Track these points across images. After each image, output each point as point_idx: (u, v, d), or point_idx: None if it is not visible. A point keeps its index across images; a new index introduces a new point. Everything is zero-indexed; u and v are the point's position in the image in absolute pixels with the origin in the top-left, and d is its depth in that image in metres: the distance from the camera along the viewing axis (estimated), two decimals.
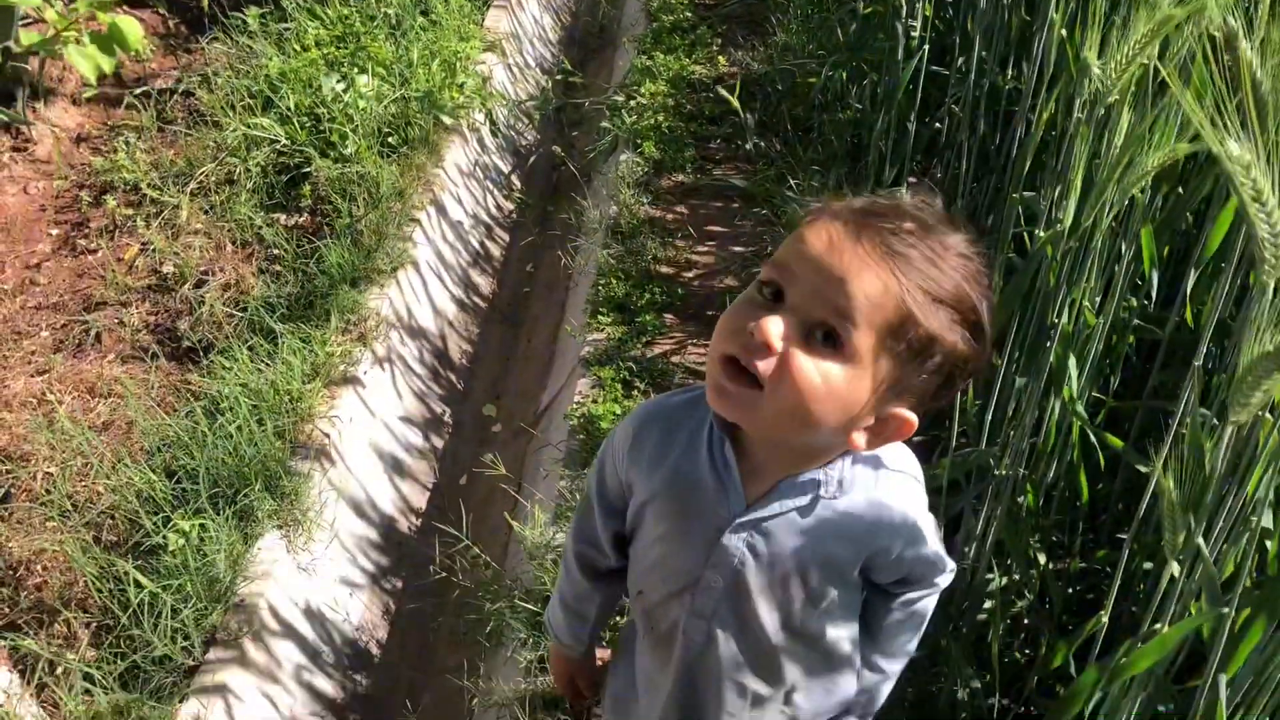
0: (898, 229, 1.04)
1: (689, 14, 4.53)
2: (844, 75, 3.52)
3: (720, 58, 4.13)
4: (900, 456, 1.21)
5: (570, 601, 1.45)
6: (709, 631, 1.23)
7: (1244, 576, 1.44)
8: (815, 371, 1.03)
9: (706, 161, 3.68)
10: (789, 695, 1.29)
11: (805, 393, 1.03)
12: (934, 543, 1.24)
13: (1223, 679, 1.19)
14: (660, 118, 3.80)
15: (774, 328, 1.02)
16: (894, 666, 1.37)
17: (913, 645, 1.37)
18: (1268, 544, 1.47)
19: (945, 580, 1.29)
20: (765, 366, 1.03)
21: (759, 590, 1.20)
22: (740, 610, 1.22)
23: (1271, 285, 0.90)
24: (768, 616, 1.22)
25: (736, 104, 3.57)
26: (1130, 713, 1.35)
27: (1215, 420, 1.74)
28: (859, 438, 1.09)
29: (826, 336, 1.03)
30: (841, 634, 1.27)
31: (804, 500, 1.16)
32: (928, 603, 1.31)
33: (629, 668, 1.38)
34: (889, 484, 1.19)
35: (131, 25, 3.50)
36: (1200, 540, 1.11)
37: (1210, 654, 1.14)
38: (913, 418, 1.10)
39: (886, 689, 1.40)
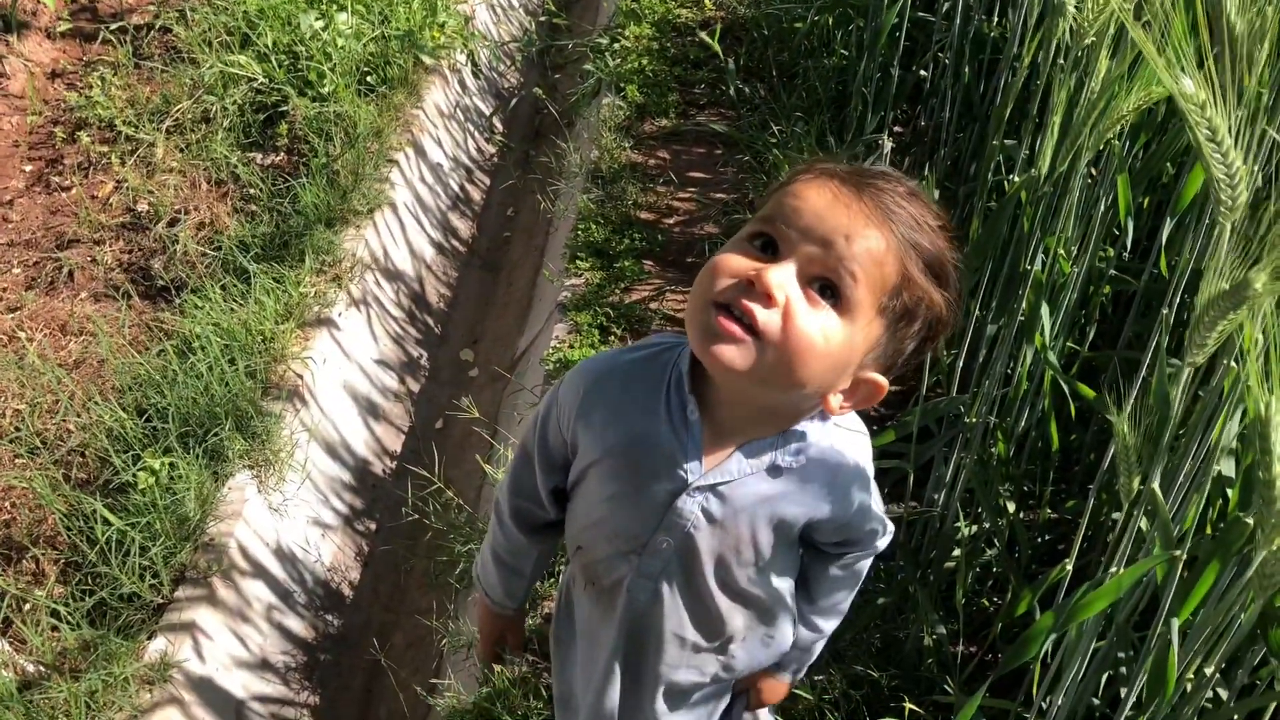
0: (893, 190, 1.05)
1: None
2: (829, 20, 3.47)
3: (706, 1, 4.06)
4: (853, 419, 1.20)
5: (505, 557, 1.41)
6: (655, 590, 1.22)
7: (1206, 525, 1.44)
8: (817, 325, 1.01)
9: (690, 106, 3.64)
10: (727, 646, 1.29)
11: (805, 347, 1.01)
12: (878, 506, 1.24)
13: (1174, 623, 1.19)
14: (644, 61, 3.74)
15: (777, 276, 1.00)
16: (829, 624, 1.37)
17: (846, 604, 1.37)
18: (1228, 491, 1.47)
19: (884, 542, 1.29)
20: (767, 317, 1.00)
21: (708, 551, 1.18)
22: (688, 570, 1.20)
23: (1228, 226, 0.89)
24: (713, 575, 1.20)
25: (718, 49, 3.53)
26: (1085, 656, 1.36)
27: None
28: (834, 400, 1.08)
29: (824, 289, 1.01)
30: (781, 589, 1.27)
31: (763, 464, 1.14)
32: (865, 563, 1.31)
33: (569, 611, 1.37)
34: (843, 446, 1.17)
35: None
36: (1155, 485, 1.11)
37: (1162, 597, 1.14)
38: (884, 382, 1.09)
39: (820, 646, 1.41)
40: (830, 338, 1.01)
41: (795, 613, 1.33)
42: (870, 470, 1.21)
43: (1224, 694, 1.51)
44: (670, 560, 1.19)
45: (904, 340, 1.08)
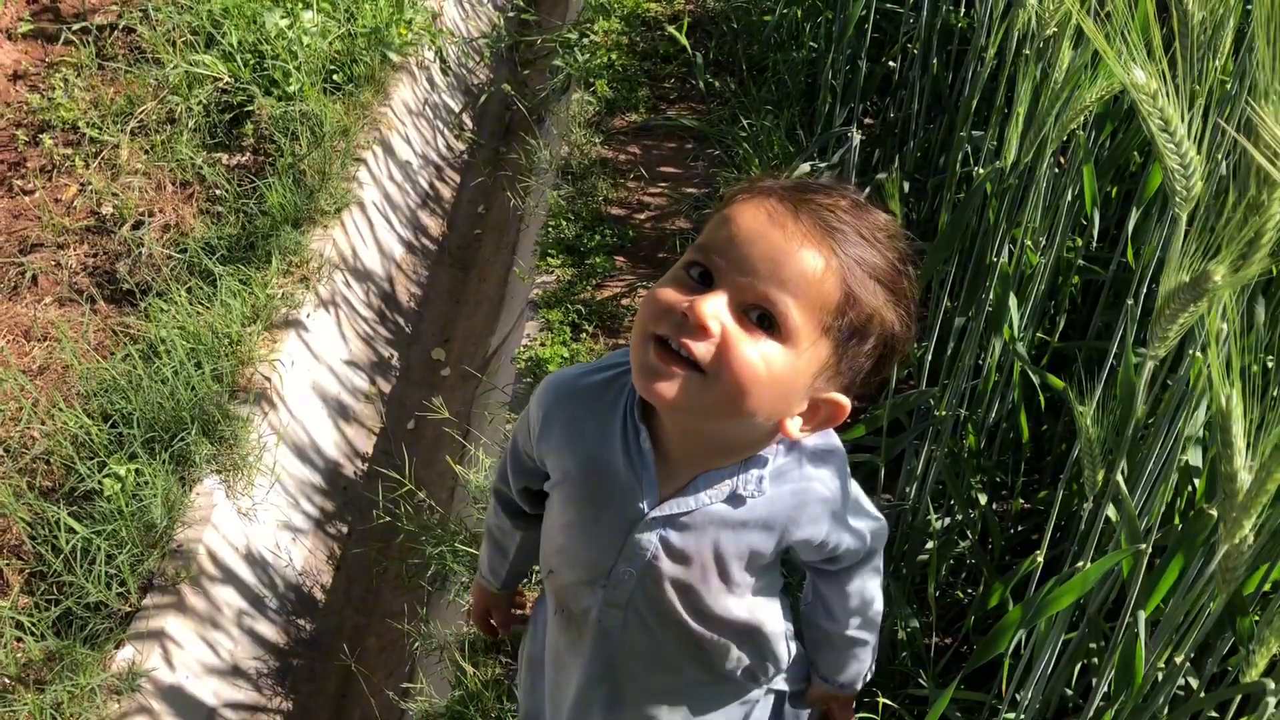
0: (834, 205, 1.01)
1: None
2: (798, 13, 3.46)
3: None
4: (822, 434, 1.15)
5: (494, 532, 1.42)
6: (624, 618, 1.19)
7: (1174, 515, 1.44)
8: (757, 354, 0.98)
9: (660, 101, 3.62)
10: (717, 667, 1.25)
11: (746, 378, 0.98)
12: (859, 514, 1.20)
13: (1141, 615, 1.19)
14: (613, 56, 3.73)
15: (709, 307, 0.97)
16: (863, 633, 1.32)
17: (876, 605, 1.31)
18: (1196, 482, 1.47)
19: (879, 542, 1.25)
20: (703, 350, 0.97)
21: (672, 581, 1.14)
22: (654, 598, 1.16)
23: (1183, 217, 0.88)
24: (681, 603, 1.16)
25: (686, 42, 3.51)
26: (1055, 648, 1.35)
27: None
28: (792, 425, 1.05)
29: (761, 318, 0.98)
30: (761, 614, 1.22)
31: (723, 494, 1.11)
32: (867, 570, 1.26)
33: (542, 633, 1.34)
34: (812, 469, 1.14)
35: None
36: (1119, 478, 1.10)
37: (1129, 590, 1.14)
38: (846, 401, 1.05)
39: (867, 655, 1.35)
40: (772, 365, 0.98)
41: (788, 628, 1.28)
42: (843, 485, 1.16)
43: (1194, 683, 1.51)
44: (635, 589, 1.16)
45: (857, 358, 1.04)
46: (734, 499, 1.10)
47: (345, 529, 2.66)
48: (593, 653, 1.22)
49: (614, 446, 1.11)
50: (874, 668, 1.39)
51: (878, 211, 1.05)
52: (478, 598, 1.54)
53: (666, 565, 1.13)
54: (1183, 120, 0.84)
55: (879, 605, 1.31)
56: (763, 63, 3.57)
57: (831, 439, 1.17)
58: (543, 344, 2.71)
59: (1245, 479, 0.82)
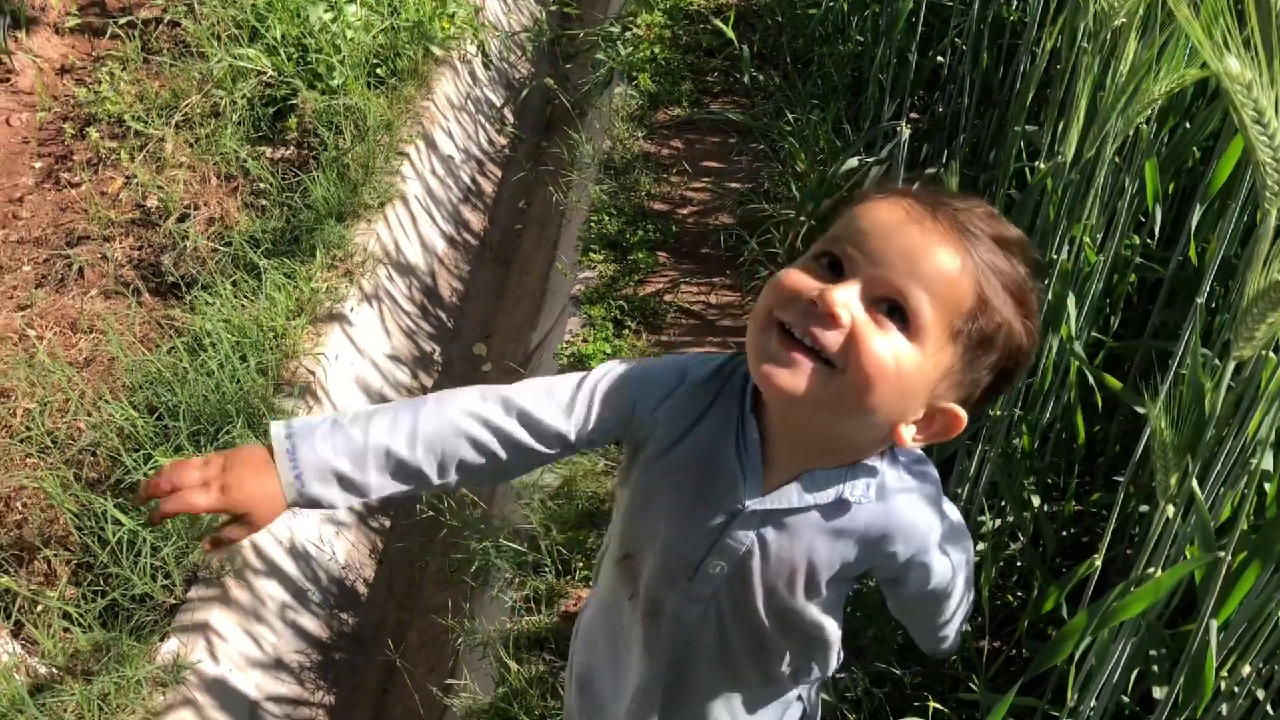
0: (970, 210, 0.99)
1: None
2: (845, 6, 3.42)
3: None
4: (922, 459, 1.13)
5: (350, 449, 1.05)
6: (704, 612, 1.15)
7: (1241, 519, 1.40)
8: (887, 348, 0.95)
9: (703, 95, 3.59)
10: (774, 670, 1.23)
11: (874, 371, 0.94)
12: (953, 545, 1.16)
13: (1214, 625, 1.15)
14: (656, 49, 3.70)
15: (841, 295, 0.94)
16: (955, 627, 1.29)
17: (957, 612, 1.26)
18: (1266, 486, 1.43)
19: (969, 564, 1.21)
20: (831, 339, 0.94)
21: (761, 580, 1.11)
22: (739, 596, 1.13)
23: (1274, 212, 0.85)
24: (763, 603, 1.13)
25: (732, 35, 3.48)
26: (1120, 657, 1.32)
27: (1217, 360, 1.69)
28: (907, 431, 1.01)
29: (892, 311, 0.95)
30: (831, 623, 1.19)
31: (828, 498, 1.07)
32: (946, 581, 1.20)
33: (596, 639, 1.30)
34: (915, 486, 1.10)
35: None
36: (1194, 484, 1.07)
37: (1202, 599, 1.10)
38: (963, 414, 1.02)
39: (950, 640, 1.32)
40: (901, 361, 0.95)
41: (839, 643, 1.25)
42: (938, 509, 1.13)
43: (1260, 694, 1.47)
44: (722, 585, 1.12)
45: (981, 369, 1.01)
46: (839, 504, 1.07)
47: (388, 523, 2.66)
48: (661, 645, 1.19)
49: (725, 434, 1.07)
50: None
51: (1011, 225, 1.03)
52: (251, 471, 1.03)
53: (758, 564, 1.09)
54: (1277, 112, 0.81)
55: (955, 602, 1.25)
56: (808, 56, 3.53)
57: (931, 469, 1.13)
58: (585, 340, 2.69)
59: None
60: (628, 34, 3.78)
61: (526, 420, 1.09)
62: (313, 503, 1.04)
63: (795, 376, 0.95)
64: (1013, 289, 0.99)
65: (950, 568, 1.18)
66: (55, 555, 2.19)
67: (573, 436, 1.10)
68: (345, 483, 1.04)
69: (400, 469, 1.06)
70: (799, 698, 1.31)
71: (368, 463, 1.05)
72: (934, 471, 1.14)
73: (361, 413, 1.08)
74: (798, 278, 0.98)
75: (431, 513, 2.45)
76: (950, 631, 1.30)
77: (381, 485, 1.06)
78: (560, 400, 1.10)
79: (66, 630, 2.05)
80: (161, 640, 2.05)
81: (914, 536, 1.11)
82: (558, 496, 2.30)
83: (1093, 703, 1.35)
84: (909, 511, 1.10)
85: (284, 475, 1.02)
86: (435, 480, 1.08)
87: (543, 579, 2.15)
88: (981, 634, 2.01)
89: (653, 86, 3.56)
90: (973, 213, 0.99)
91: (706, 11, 3.88)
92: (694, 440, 1.09)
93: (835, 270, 0.98)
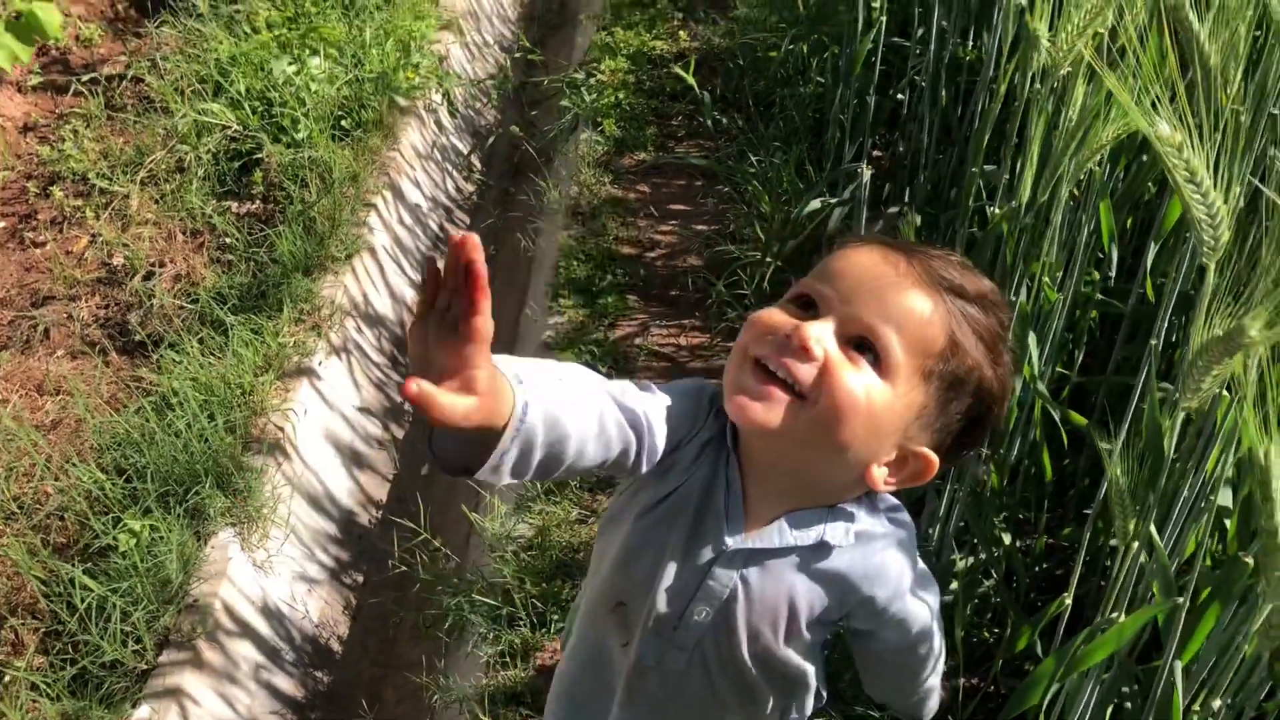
0: (945, 259, 1.03)
1: None
2: (805, 49, 3.47)
3: (681, 33, 4.06)
4: (898, 506, 1.15)
5: (573, 386, 0.99)
6: (688, 661, 1.14)
7: (1202, 556, 1.42)
8: (859, 382, 0.98)
9: (668, 139, 3.62)
10: (757, 715, 1.22)
11: (845, 404, 0.97)
12: (925, 590, 1.17)
13: (1178, 666, 1.16)
14: (621, 95, 3.73)
15: (815, 330, 0.98)
16: (931, 690, 1.29)
17: (929, 673, 1.26)
18: (1226, 523, 1.44)
19: (938, 610, 1.21)
20: (804, 373, 0.98)
21: (744, 623, 1.11)
22: (724, 644, 1.13)
23: (1213, 266, 0.87)
24: (750, 651, 1.13)
25: (692, 81, 3.52)
26: (1090, 697, 1.32)
27: (1177, 395, 1.71)
28: (879, 472, 1.04)
29: (864, 349, 0.99)
30: (808, 669, 1.19)
31: (809, 539, 1.08)
32: (920, 635, 1.21)
33: (576, 694, 1.27)
34: (890, 535, 1.12)
35: (50, 12, 3.37)
36: (1153, 528, 1.08)
37: (1166, 642, 1.11)
38: (935, 458, 1.04)
39: (932, 699, 1.32)
40: (872, 396, 0.98)
41: (819, 688, 1.25)
42: (913, 557, 1.15)
43: None
44: (706, 631, 1.12)
45: (952, 412, 1.04)
46: (820, 546, 1.08)
47: (361, 579, 2.64)
48: (644, 695, 1.17)
49: (716, 472, 1.08)
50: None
51: (983, 277, 1.06)
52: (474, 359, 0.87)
53: (742, 608, 1.09)
54: (1208, 170, 0.83)
55: (928, 650, 1.25)
56: (770, 99, 3.57)
57: (907, 518, 1.15)
58: None
59: None
60: (592, 80, 3.82)
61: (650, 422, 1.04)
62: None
63: (769, 410, 0.98)
64: (984, 335, 1.02)
65: (929, 613, 1.19)
66: (22, 624, 2.16)
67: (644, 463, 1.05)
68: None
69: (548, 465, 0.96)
70: None
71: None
72: (909, 520, 1.15)
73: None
74: (774, 315, 1.01)
75: (404, 567, 2.44)
76: (930, 686, 1.30)
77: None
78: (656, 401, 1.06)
79: (34, 702, 2.02)
80: (133, 707, 2.02)
81: (890, 581, 1.12)
82: (531, 548, 2.29)
83: None
84: (885, 556, 1.11)
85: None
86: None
87: (517, 633, 2.14)
88: (957, 673, 2.02)
89: (618, 132, 3.59)
90: (948, 261, 1.03)
91: (669, 57, 3.92)
92: (696, 477, 1.09)
93: (810, 310, 1.01)
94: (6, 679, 2.06)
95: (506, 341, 3.24)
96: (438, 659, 2.26)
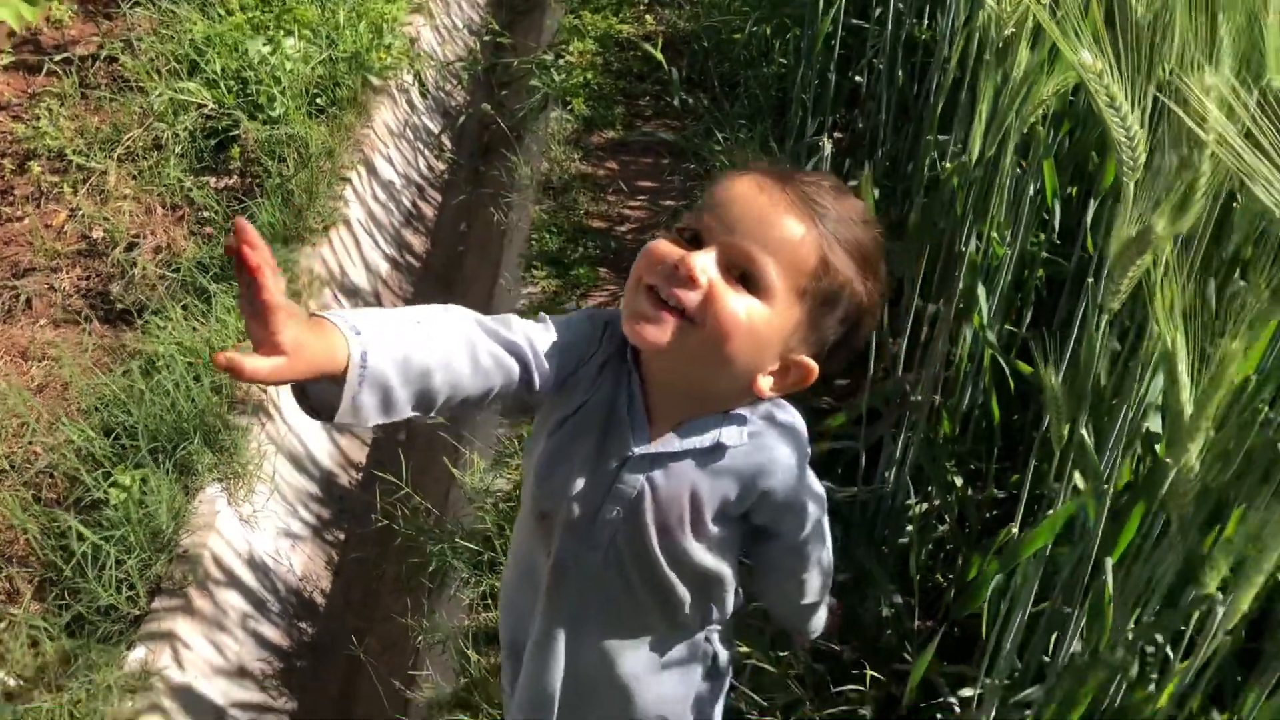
0: (817, 184, 1.15)
1: None
2: (767, 30, 3.59)
3: (647, 16, 4.17)
4: (790, 408, 1.27)
5: (429, 324, 1.08)
6: (603, 560, 1.25)
7: (1139, 480, 1.55)
8: (740, 305, 1.10)
9: (636, 118, 3.73)
10: (675, 615, 1.32)
11: (728, 325, 1.09)
12: (816, 484, 1.28)
13: (1108, 562, 1.28)
14: (589, 75, 3.84)
15: (699, 260, 1.09)
16: (814, 587, 1.37)
17: (814, 571, 1.35)
18: (1156, 448, 1.57)
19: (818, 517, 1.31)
20: (691, 299, 1.09)
21: (653, 522, 1.22)
22: (635, 541, 1.24)
23: (1131, 184, 0.99)
24: (661, 548, 1.24)
25: (661, 58, 3.63)
26: (1029, 598, 1.45)
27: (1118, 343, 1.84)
28: (764, 382, 1.16)
29: (744, 277, 1.10)
30: (725, 565, 1.30)
31: (706, 442, 1.20)
32: (812, 536, 1.32)
33: (517, 603, 1.36)
34: (781, 435, 1.24)
35: None
36: (1084, 431, 1.20)
37: (1093, 535, 1.24)
38: (814, 365, 1.17)
39: (820, 602, 1.42)
40: (752, 316, 1.10)
41: (735, 587, 1.35)
42: (802, 455, 1.25)
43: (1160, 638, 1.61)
44: (619, 528, 1.23)
45: (827, 325, 1.16)
46: (717, 448, 1.20)
47: (343, 535, 2.73)
48: (564, 596, 1.28)
49: (619, 386, 1.20)
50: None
51: (854, 197, 1.18)
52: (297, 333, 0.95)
53: (649, 505, 1.21)
54: (1126, 97, 0.95)
55: (813, 560, 1.35)
56: (734, 79, 3.69)
57: (797, 419, 1.27)
58: None
59: (1189, 409, 0.92)
60: (561, 61, 3.92)
61: (533, 351, 1.14)
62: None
63: (660, 331, 1.10)
64: (854, 252, 1.14)
65: (820, 509, 1.30)
66: (18, 573, 2.24)
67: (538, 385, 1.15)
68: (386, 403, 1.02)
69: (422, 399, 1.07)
70: (707, 639, 1.40)
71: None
72: (800, 422, 1.26)
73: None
74: (664, 246, 1.13)
75: (385, 522, 2.53)
76: (818, 601, 1.41)
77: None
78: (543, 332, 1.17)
79: (34, 643, 2.10)
80: (128, 649, 2.11)
81: (781, 470, 1.23)
82: (509, 499, 2.40)
83: (1007, 645, 1.47)
84: (777, 451, 1.23)
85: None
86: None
87: (499, 576, 2.24)
88: (913, 612, 2.14)
89: (587, 110, 3.69)
90: (820, 185, 1.15)
91: (636, 39, 4.03)
92: (599, 393, 1.21)
93: (696, 242, 1.12)
94: (3, 624, 2.13)
95: (482, 310, 3.33)
96: (422, 603, 2.36)
